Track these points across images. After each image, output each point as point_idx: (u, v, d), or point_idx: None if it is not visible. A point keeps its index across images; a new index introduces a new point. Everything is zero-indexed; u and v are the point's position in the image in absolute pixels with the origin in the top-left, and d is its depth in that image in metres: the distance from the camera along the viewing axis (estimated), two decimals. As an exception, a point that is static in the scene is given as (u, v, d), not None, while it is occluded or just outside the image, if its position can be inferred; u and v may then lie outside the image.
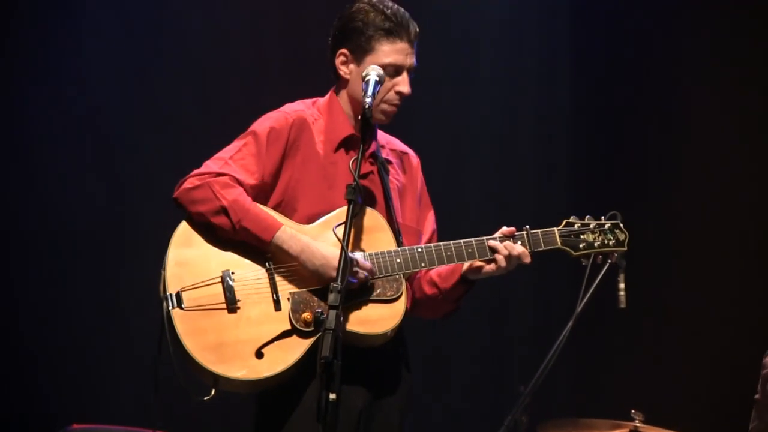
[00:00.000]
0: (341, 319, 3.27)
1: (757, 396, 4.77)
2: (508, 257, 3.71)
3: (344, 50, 3.76)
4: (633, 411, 4.90)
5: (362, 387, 3.63)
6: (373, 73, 3.66)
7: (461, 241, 3.71)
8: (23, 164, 5.93)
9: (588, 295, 4.71)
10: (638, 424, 4.87)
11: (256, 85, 5.90)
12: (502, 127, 6.72)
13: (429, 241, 3.89)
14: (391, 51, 3.71)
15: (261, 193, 3.68)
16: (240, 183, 3.63)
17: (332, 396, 3.18)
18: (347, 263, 3.39)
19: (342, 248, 3.39)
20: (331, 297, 3.28)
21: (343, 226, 3.44)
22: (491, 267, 3.75)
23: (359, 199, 3.52)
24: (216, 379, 3.51)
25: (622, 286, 4.46)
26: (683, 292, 6.48)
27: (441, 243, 3.72)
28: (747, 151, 6.50)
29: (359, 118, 3.72)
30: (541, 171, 6.70)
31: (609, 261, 3.90)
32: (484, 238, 3.73)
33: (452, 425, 6.48)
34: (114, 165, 6.05)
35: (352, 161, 3.62)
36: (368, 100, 3.60)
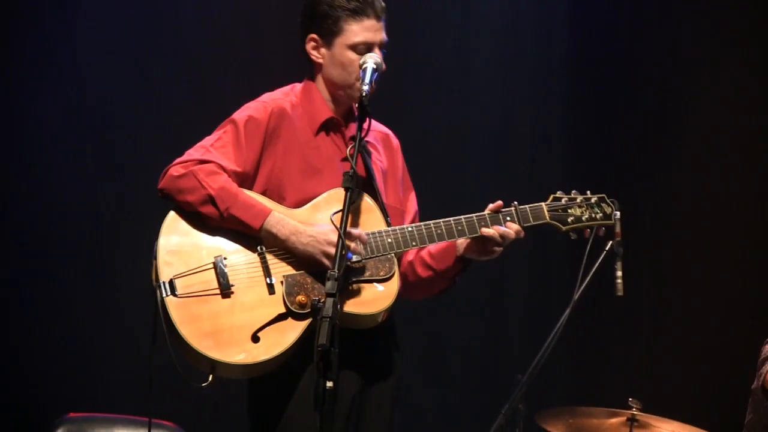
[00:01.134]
0: (338, 306, 3.26)
1: (753, 386, 4.78)
2: (504, 243, 3.71)
3: (313, 35, 3.76)
4: (630, 399, 4.90)
5: (354, 372, 3.61)
6: (370, 61, 3.66)
7: (451, 219, 3.71)
8: (21, 162, 5.92)
9: (585, 282, 4.71)
10: (635, 412, 4.87)
11: (256, 80, 5.88)
12: (500, 121, 6.71)
13: (412, 221, 3.88)
14: (360, 30, 3.71)
15: (243, 182, 3.66)
16: (224, 169, 3.61)
17: (329, 384, 3.17)
18: (344, 251, 3.37)
19: (339, 236, 3.38)
20: (328, 284, 3.26)
21: (340, 213, 3.43)
22: (488, 255, 3.74)
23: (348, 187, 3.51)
24: (213, 365, 3.50)
25: (619, 273, 4.45)
26: (681, 281, 6.50)
27: (431, 221, 3.71)
28: (746, 142, 6.51)
29: (338, 100, 3.76)
30: (539, 164, 6.69)
31: (598, 234, 3.90)
32: (473, 215, 3.73)
33: (450, 415, 6.48)
34: (112, 161, 6.04)
35: (349, 148, 3.62)
36: (365, 88, 3.59)
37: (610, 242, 4.47)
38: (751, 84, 6.48)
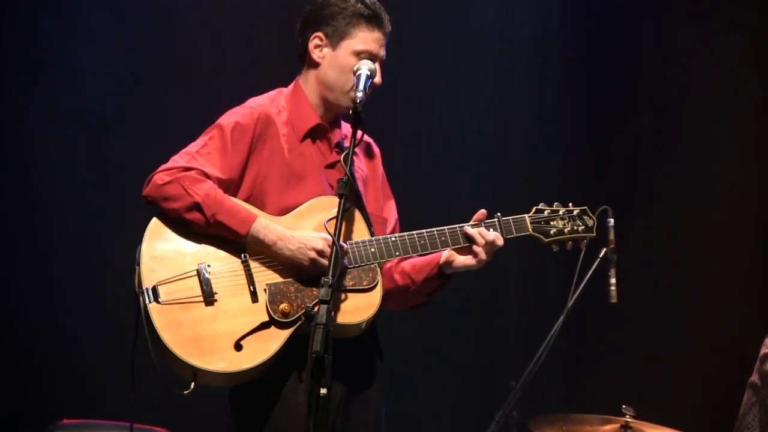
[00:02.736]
0: (332, 313, 3.25)
1: (752, 379, 4.78)
2: (485, 245, 3.69)
3: (319, 33, 3.75)
4: (624, 406, 4.91)
5: (338, 380, 3.58)
6: (364, 67, 3.65)
7: (434, 229, 3.71)
8: (16, 163, 5.90)
9: (579, 290, 4.72)
10: (629, 419, 4.87)
11: (250, 83, 5.87)
12: (494, 126, 6.72)
13: (393, 229, 3.88)
14: (368, 39, 3.71)
15: (228, 188, 3.65)
16: (208, 176, 3.60)
17: (323, 391, 3.17)
18: (338, 258, 3.36)
19: (333, 242, 3.37)
20: (322, 291, 3.26)
21: (334, 220, 3.43)
22: (470, 260, 3.72)
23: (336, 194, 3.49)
24: (195, 373, 3.49)
25: (613, 281, 4.47)
26: (675, 287, 6.50)
27: (414, 232, 3.70)
28: (742, 145, 6.51)
29: (326, 105, 3.75)
30: (533, 170, 6.70)
31: (580, 248, 3.90)
32: (457, 226, 3.72)
33: (443, 421, 6.48)
34: (107, 163, 6.02)
35: (343, 155, 3.61)
36: (360, 94, 3.59)
37: (604, 249, 4.49)
38: (749, 88, 6.49)
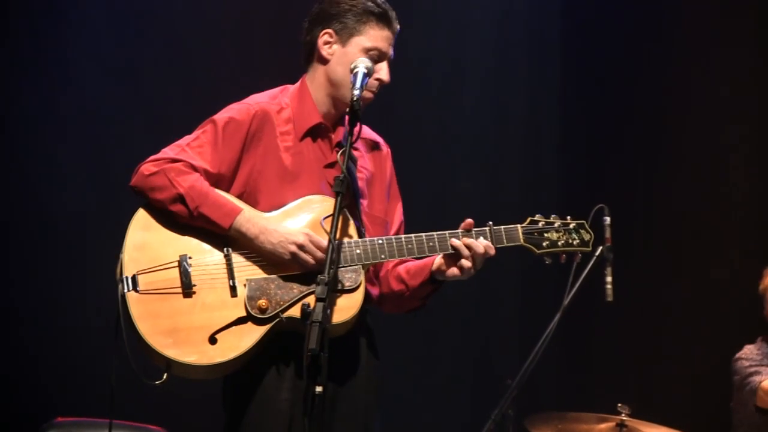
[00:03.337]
0: (327, 311, 3.24)
1: (732, 403, 4.81)
2: (472, 257, 3.63)
3: (329, 30, 3.72)
4: (619, 405, 4.92)
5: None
6: (361, 65, 3.63)
7: (423, 234, 3.67)
8: (12, 163, 5.91)
9: (575, 288, 4.73)
10: (624, 418, 4.88)
11: (251, 83, 5.87)
12: (492, 126, 6.72)
13: (397, 232, 3.85)
14: (378, 37, 3.70)
15: (219, 183, 3.64)
16: (195, 169, 3.59)
17: (318, 389, 3.15)
18: (335, 255, 3.36)
19: (330, 241, 3.36)
20: (318, 289, 3.24)
21: (330, 218, 3.41)
22: (457, 272, 3.65)
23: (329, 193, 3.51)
24: (168, 364, 3.48)
25: (609, 279, 4.47)
26: (671, 287, 6.50)
27: (402, 236, 3.67)
28: (742, 145, 6.52)
29: (332, 102, 3.73)
30: (532, 169, 6.70)
31: (574, 261, 3.87)
32: (446, 232, 3.67)
33: (439, 420, 6.48)
34: (107, 163, 6.02)
35: (340, 153, 3.60)
36: (356, 92, 3.55)
37: (600, 248, 4.49)
38: (749, 88, 6.50)
